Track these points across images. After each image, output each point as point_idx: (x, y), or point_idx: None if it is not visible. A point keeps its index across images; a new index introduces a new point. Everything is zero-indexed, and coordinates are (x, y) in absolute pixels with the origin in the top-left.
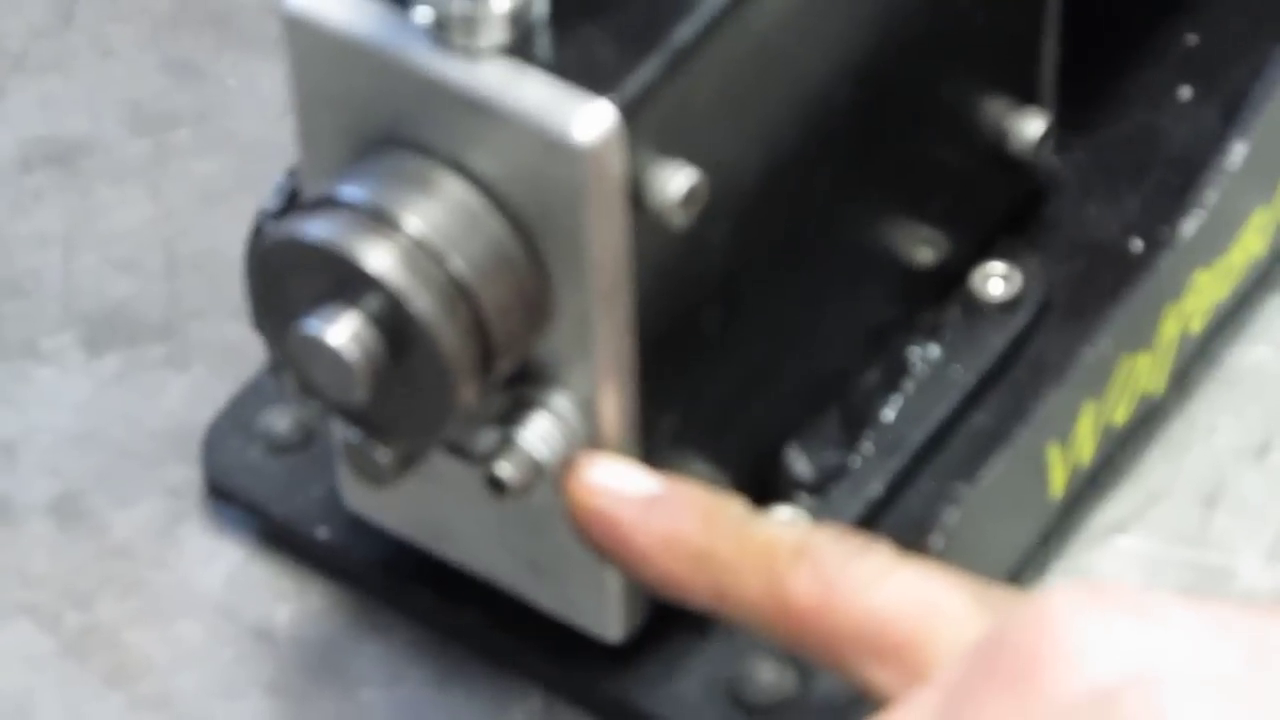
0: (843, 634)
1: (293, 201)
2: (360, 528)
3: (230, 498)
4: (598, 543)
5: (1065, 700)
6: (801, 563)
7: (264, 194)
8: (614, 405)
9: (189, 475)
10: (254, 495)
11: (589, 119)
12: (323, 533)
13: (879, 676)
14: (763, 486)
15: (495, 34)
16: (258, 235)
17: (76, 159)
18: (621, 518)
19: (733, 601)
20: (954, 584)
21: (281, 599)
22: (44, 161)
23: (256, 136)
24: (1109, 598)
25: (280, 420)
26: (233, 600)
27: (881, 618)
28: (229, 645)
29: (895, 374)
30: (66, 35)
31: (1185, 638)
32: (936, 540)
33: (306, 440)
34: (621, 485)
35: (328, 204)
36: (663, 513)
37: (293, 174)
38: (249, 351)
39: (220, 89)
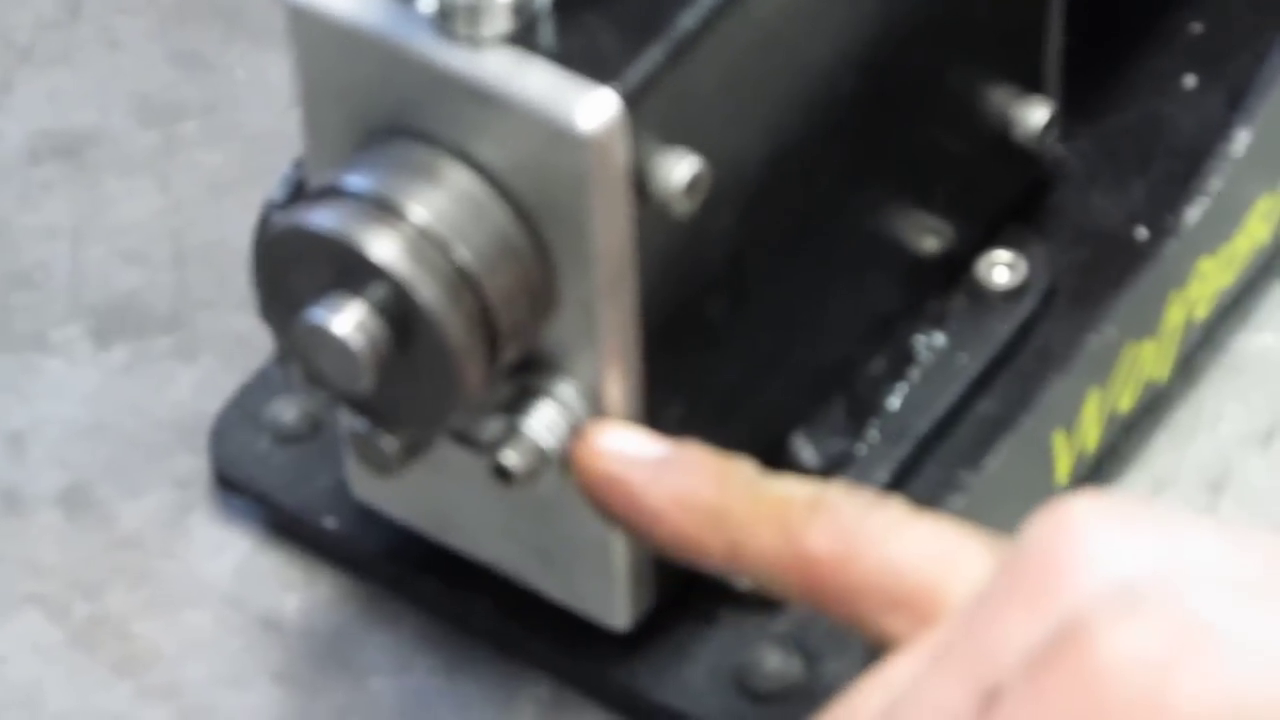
0: (860, 585)
1: (299, 192)
2: (368, 517)
3: (238, 488)
4: (609, 507)
5: (1088, 598)
6: (818, 516)
7: (272, 185)
8: (619, 393)
9: (197, 466)
10: (262, 485)
11: (592, 108)
12: (330, 522)
13: (895, 626)
14: None
15: (499, 23)
16: (264, 225)
17: (84, 151)
18: (632, 480)
19: (748, 558)
20: (969, 535)
21: (289, 589)
22: (52, 154)
23: (264, 128)
24: (1127, 503)
25: (288, 410)
26: (241, 590)
27: (899, 568)
28: (237, 635)
29: (901, 362)
30: (74, 27)
31: (1207, 541)
32: None
33: (314, 430)
34: (631, 449)
35: (332, 193)
36: (674, 473)
37: (299, 165)
38: (256, 342)
39: (228, 81)
